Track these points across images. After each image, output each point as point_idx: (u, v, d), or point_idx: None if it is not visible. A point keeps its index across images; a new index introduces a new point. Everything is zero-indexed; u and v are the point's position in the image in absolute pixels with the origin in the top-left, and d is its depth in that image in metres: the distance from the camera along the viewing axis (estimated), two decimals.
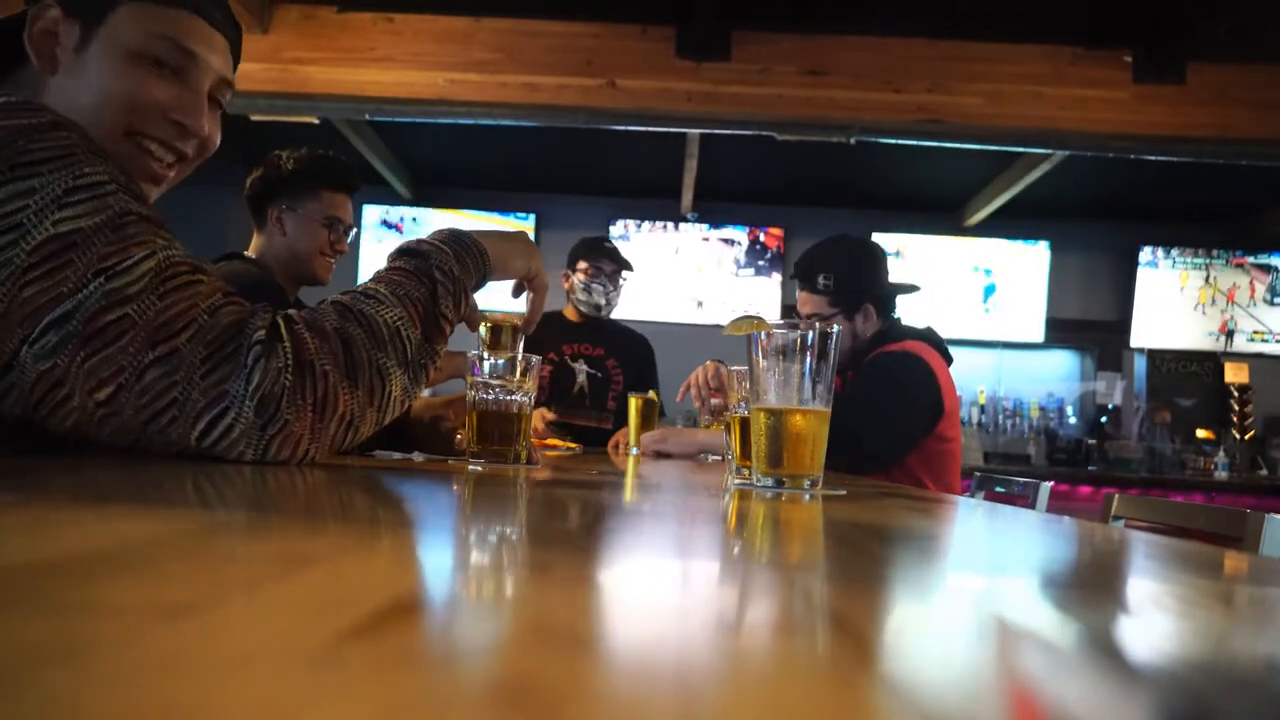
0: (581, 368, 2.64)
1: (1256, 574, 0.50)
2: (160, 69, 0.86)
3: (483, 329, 1.05)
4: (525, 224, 5.23)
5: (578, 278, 2.63)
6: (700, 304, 5.16)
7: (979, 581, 0.42)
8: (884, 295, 2.03)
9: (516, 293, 1.03)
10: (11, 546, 0.30)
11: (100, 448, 0.74)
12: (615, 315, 2.75)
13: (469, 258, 0.90)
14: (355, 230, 1.99)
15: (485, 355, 1.04)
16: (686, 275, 5.21)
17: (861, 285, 2.01)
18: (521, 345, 1.07)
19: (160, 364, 0.69)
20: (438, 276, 0.86)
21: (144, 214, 0.74)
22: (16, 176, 0.68)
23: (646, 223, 5.21)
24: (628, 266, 2.65)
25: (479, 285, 0.92)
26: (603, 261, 2.61)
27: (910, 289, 2.10)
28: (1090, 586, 0.43)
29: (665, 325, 4.88)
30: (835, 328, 0.86)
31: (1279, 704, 0.22)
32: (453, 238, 0.91)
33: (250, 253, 1.91)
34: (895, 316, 2.07)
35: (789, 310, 5.04)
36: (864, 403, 1.80)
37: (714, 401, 1.84)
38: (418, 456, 1.09)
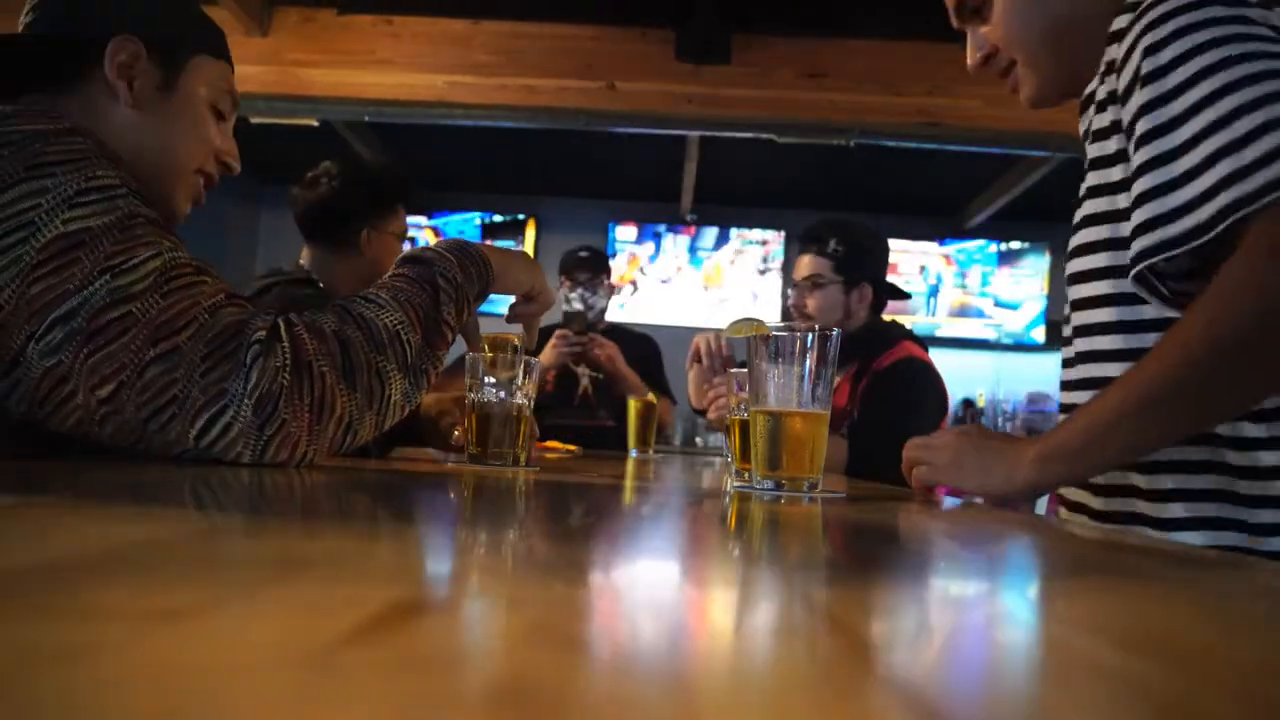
0: (584, 371, 2.70)
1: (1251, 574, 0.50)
2: (220, 118, 0.97)
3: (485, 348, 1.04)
4: (525, 222, 5.24)
5: (561, 291, 2.75)
6: (702, 306, 5.17)
7: (978, 583, 0.42)
8: (882, 285, 2.05)
9: (511, 318, 1.02)
10: (11, 549, 0.30)
11: (100, 450, 0.74)
12: (618, 318, 2.79)
13: (472, 267, 0.90)
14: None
15: (485, 374, 1.03)
16: (687, 277, 5.21)
17: (866, 264, 2.03)
18: (521, 369, 1.06)
19: (161, 361, 0.70)
20: (440, 283, 0.86)
21: (152, 217, 0.75)
22: (31, 176, 0.70)
23: (649, 225, 5.21)
24: (605, 270, 2.73)
25: (482, 296, 0.92)
26: (576, 271, 2.70)
27: (904, 295, 2.13)
28: (1087, 586, 0.43)
29: (666, 328, 4.88)
30: (835, 331, 0.86)
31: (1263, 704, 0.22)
32: (457, 247, 0.91)
33: (304, 264, 1.84)
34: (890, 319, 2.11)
35: (789, 313, 5.05)
36: (881, 421, 1.81)
37: (721, 401, 1.83)
38: (436, 454, 1.09)
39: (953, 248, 5.10)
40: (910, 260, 5.07)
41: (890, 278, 2.15)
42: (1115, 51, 0.84)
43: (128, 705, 0.15)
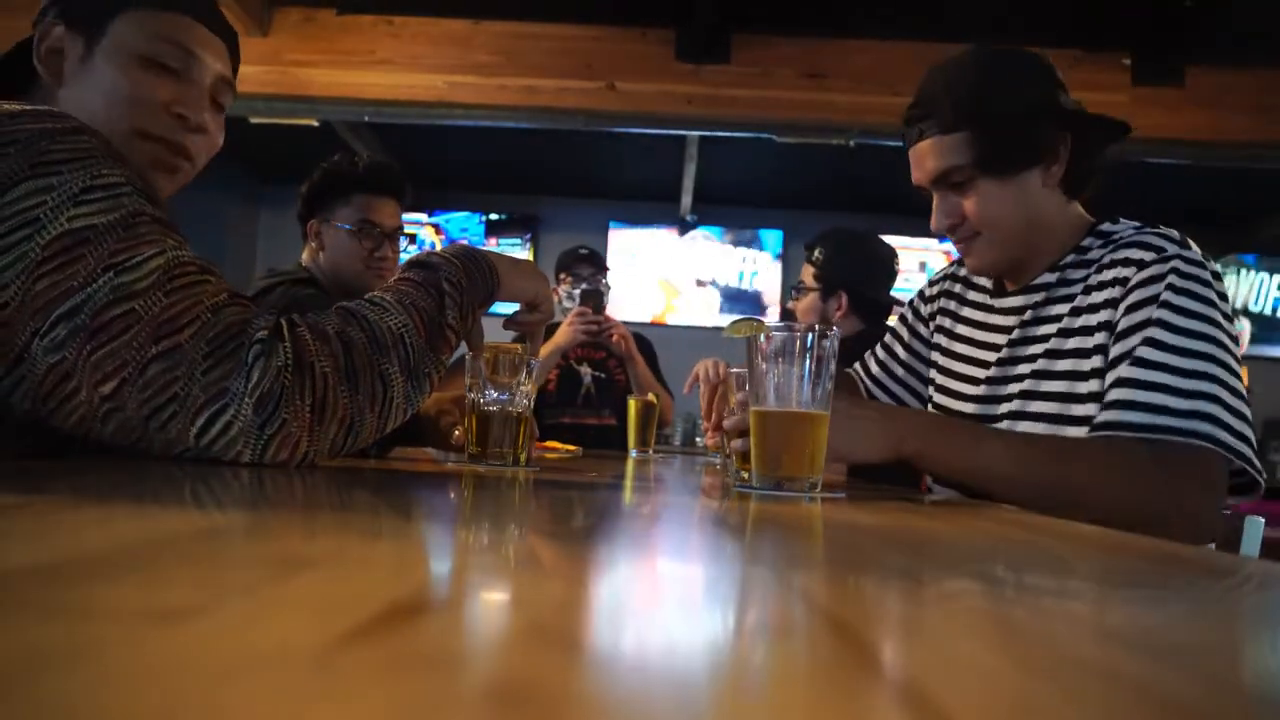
0: (586, 370, 2.75)
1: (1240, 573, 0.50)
2: (164, 71, 0.91)
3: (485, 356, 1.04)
4: (531, 219, 5.24)
5: (562, 289, 2.77)
6: (701, 307, 5.17)
7: (979, 583, 0.42)
8: (867, 295, 2.06)
9: (509, 325, 1.03)
10: (11, 549, 0.30)
11: (103, 449, 0.74)
12: (618, 318, 2.80)
13: (478, 273, 0.91)
14: (408, 238, 1.90)
15: (485, 374, 1.03)
16: (687, 278, 5.21)
17: (846, 273, 2.08)
18: (523, 374, 1.06)
19: (163, 359, 0.70)
20: (445, 288, 0.86)
21: (157, 216, 0.76)
22: (36, 174, 0.71)
23: (649, 226, 5.21)
24: (604, 268, 2.78)
25: (487, 302, 0.92)
26: (578, 268, 2.74)
27: (885, 309, 2.16)
28: (1088, 586, 0.43)
29: (668, 328, 4.88)
30: (834, 330, 0.86)
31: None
32: (464, 253, 0.92)
33: (305, 263, 1.84)
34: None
35: (788, 314, 5.05)
36: None
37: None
38: (436, 454, 1.09)
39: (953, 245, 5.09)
40: (911, 258, 5.07)
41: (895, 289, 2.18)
42: (1114, 292, 1.05)
43: (128, 705, 0.15)
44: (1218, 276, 1.04)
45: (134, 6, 0.90)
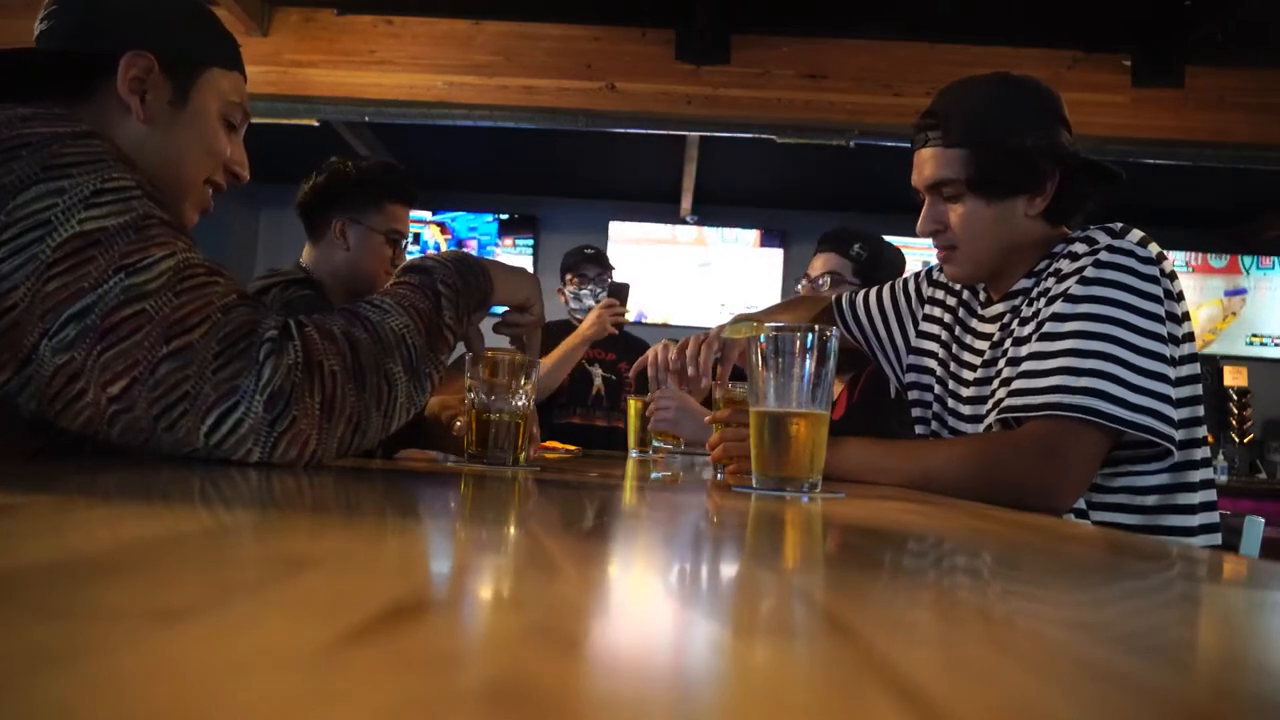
0: (597, 372, 2.77)
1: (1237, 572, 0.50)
2: (230, 129, 0.99)
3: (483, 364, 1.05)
4: (537, 219, 5.24)
5: (568, 289, 2.77)
6: (701, 307, 5.17)
7: (979, 583, 0.42)
8: None
9: (500, 327, 1.05)
10: (18, 547, 0.30)
11: (113, 449, 0.75)
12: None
13: (472, 276, 0.93)
14: (412, 238, 1.94)
15: (486, 385, 1.04)
16: (687, 278, 5.21)
17: (881, 276, 2.09)
18: (523, 376, 1.06)
19: (174, 358, 0.70)
20: (441, 290, 0.88)
21: (166, 219, 0.76)
22: (49, 177, 0.71)
23: (649, 225, 5.21)
24: (610, 269, 2.79)
25: (482, 305, 0.94)
26: (585, 268, 2.74)
27: None
28: (1088, 586, 0.43)
29: (668, 328, 4.88)
30: (834, 330, 0.86)
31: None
32: (458, 257, 0.94)
33: (304, 262, 1.84)
34: None
35: None
36: (869, 420, 1.84)
37: (662, 415, 1.76)
38: (438, 455, 1.10)
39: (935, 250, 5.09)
40: (911, 259, 5.07)
41: None
42: (1052, 284, 1.13)
43: (130, 705, 0.15)
44: (1151, 262, 1.09)
45: (216, 64, 0.95)
